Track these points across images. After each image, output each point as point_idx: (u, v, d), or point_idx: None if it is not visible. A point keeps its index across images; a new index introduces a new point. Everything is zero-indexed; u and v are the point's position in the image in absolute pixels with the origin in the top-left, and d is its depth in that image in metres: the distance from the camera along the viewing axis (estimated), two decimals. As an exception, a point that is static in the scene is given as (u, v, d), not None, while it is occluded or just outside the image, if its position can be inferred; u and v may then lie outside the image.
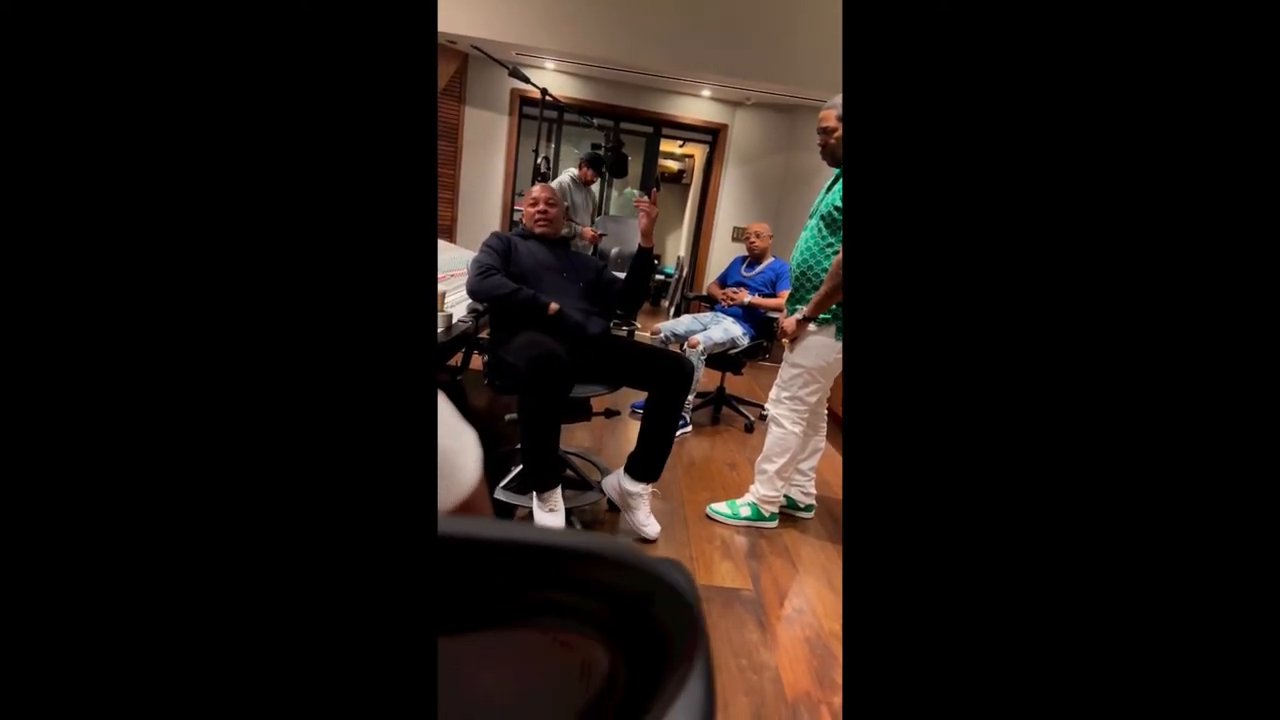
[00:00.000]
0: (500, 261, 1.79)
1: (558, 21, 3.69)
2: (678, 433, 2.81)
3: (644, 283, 1.94)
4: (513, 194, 4.73)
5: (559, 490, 1.67)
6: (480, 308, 1.81)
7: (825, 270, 1.81)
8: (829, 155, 1.83)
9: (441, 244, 3.09)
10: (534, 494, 1.66)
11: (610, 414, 1.91)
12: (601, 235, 3.76)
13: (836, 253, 1.78)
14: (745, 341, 2.93)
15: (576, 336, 1.76)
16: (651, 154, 5.12)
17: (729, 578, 1.72)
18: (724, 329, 2.90)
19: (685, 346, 2.81)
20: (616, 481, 1.83)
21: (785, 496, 2.10)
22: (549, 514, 1.65)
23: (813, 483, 2.14)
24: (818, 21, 3.66)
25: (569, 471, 2.02)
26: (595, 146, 4.10)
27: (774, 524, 2.05)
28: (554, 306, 1.73)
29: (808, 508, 2.16)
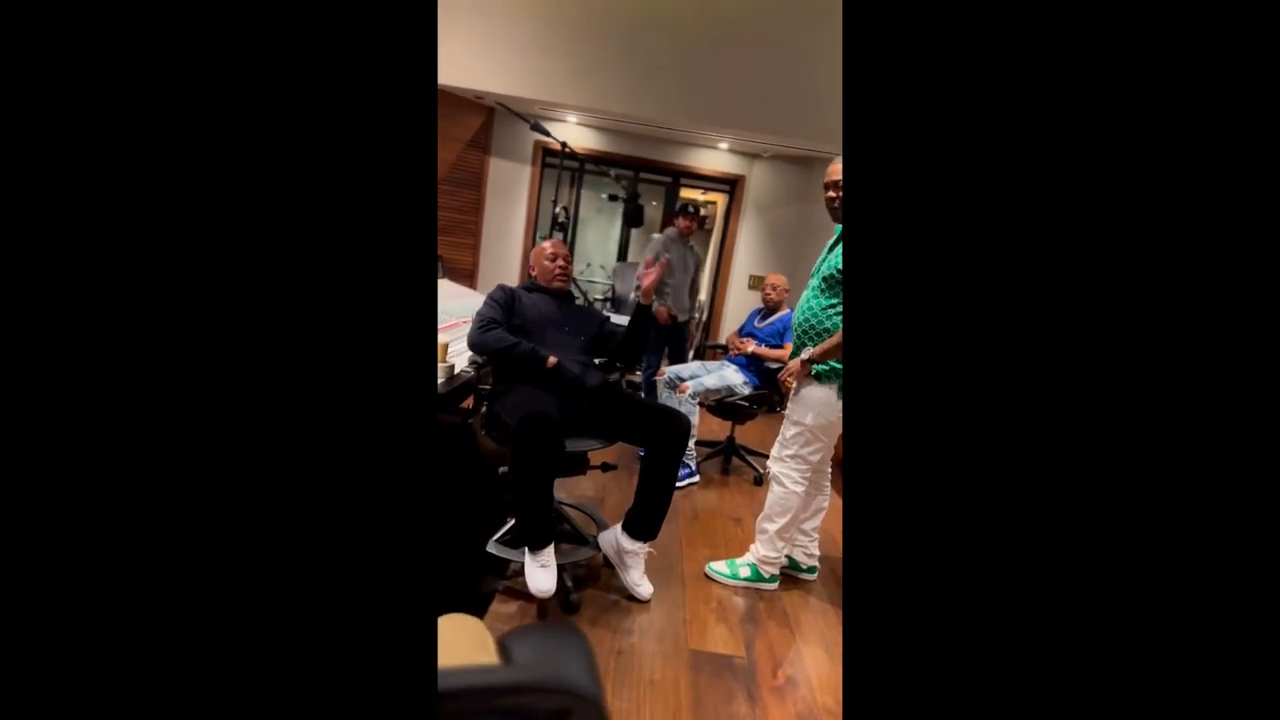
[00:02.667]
0: (503, 315, 1.82)
1: (579, 79, 3.83)
2: (683, 484, 2.79)
3: (642, 338, 1.96)
4: (533, 240, 4.84)
5: (552, 546, 1.66)
6: (480, 359, 1.84)
7: (827, 330, 1.80)
8: (835, 211, 1.84)
9: (459, 289, 3.16)
10: (526, 549, 1.65)
11: (607, 468, 1.90)
12: (676, 317, 3.45)
13: (838, 313, 1.78)
14: (745, 390, 2.92)
15: (574, 389, 1.77)
16: (670, 204, 5.22)
17: (721, 643, 1.67)
18: (720, 376, 2.92)
19: (675, 392, 2.83)
20: (614, 538, 1.81)
21: (787, 557, 2.05)
22: (540, 569, 1.63)
23: (816, 543, 2.09)
24: (833, 76, 3.74)
25: (565, 525, 2.00)
26: (612, 197, 4.19)
27: (774, 586, 1.99)
28: (552, 360, 1.74)
29: (810, 569, 2.10)
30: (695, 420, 2.85)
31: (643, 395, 3.42)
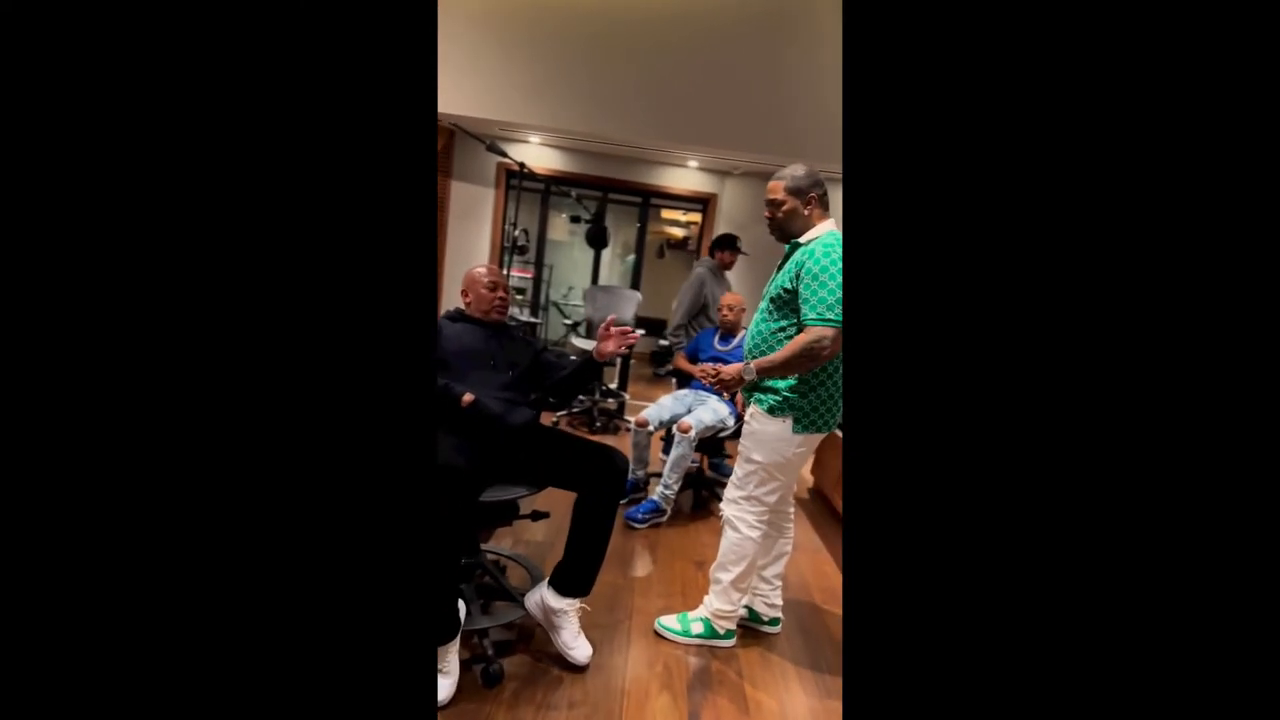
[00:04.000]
0: (418, 348, 1.64)
1: (537, 98, 3.71)
2: (650, 522, 2.58)
3: (582, 386, 1.84)
4: (500, 264, 4.68)
5: (455, 644, 1.42)
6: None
7: (777, 355, 1.63)
8: (777, 230, 1.68)
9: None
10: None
11: (537, 516, 1.70)
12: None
13: (788, 337, 1.61)
14: (732, 423, 2.69)
15: (495, 429, 1.58)
16: (644, 223, 5.08)
17: (663, 716, 1.46)
18: (712, 410, 2.65)
19: (676, 431, 2.58)
20: (539, 597, 1.61)
21: (746, 608, 1.85)
22: (438, 676, 1.39)
23: (779, 592, 1.88)
24: (801, 89, 3.62)
25: (487, 577, 1.80)
26: (575, 219, 4.05)
27: (730, 642, 1.79)
28: (468, 398, 1.56)
29: (773, 621, 1.89)
30: (689, 460, 2.62)
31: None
